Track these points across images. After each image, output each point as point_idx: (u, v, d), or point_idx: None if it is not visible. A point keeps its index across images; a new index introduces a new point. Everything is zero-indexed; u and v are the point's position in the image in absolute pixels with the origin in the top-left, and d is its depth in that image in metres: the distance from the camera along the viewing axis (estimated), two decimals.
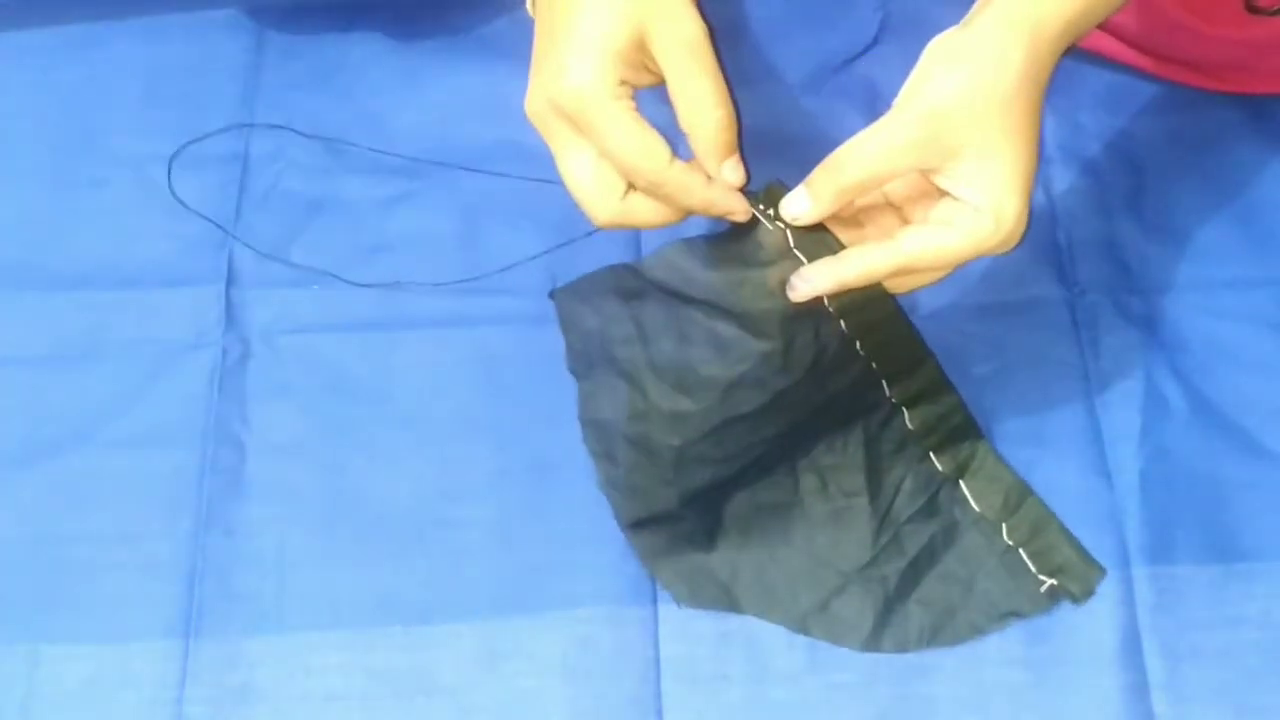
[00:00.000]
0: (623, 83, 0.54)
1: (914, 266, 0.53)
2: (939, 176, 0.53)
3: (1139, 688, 0.60)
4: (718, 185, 0.54)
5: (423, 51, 0.78)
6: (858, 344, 0.58)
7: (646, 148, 0.53)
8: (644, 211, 0.56)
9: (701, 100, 0.54)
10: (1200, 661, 0.61)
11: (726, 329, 0.56)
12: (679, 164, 0.54)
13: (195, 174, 0.74)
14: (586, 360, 0.64)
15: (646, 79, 0.56)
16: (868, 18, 0.77)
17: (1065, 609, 0.62)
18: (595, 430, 0.64)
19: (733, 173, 0.54)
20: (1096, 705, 0.60)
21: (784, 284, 0.54)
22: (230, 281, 0.71)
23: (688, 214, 0.56)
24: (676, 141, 0.55)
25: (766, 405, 0.58)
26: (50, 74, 0.78)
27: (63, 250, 0.72)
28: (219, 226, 0.72)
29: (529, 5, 0.61)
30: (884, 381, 0.61)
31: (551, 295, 0.65)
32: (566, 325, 0.65)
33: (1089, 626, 0.62)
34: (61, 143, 0.76)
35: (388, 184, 0.73)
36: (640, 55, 0.55)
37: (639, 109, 0.55)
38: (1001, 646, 0.62)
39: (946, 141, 0.51)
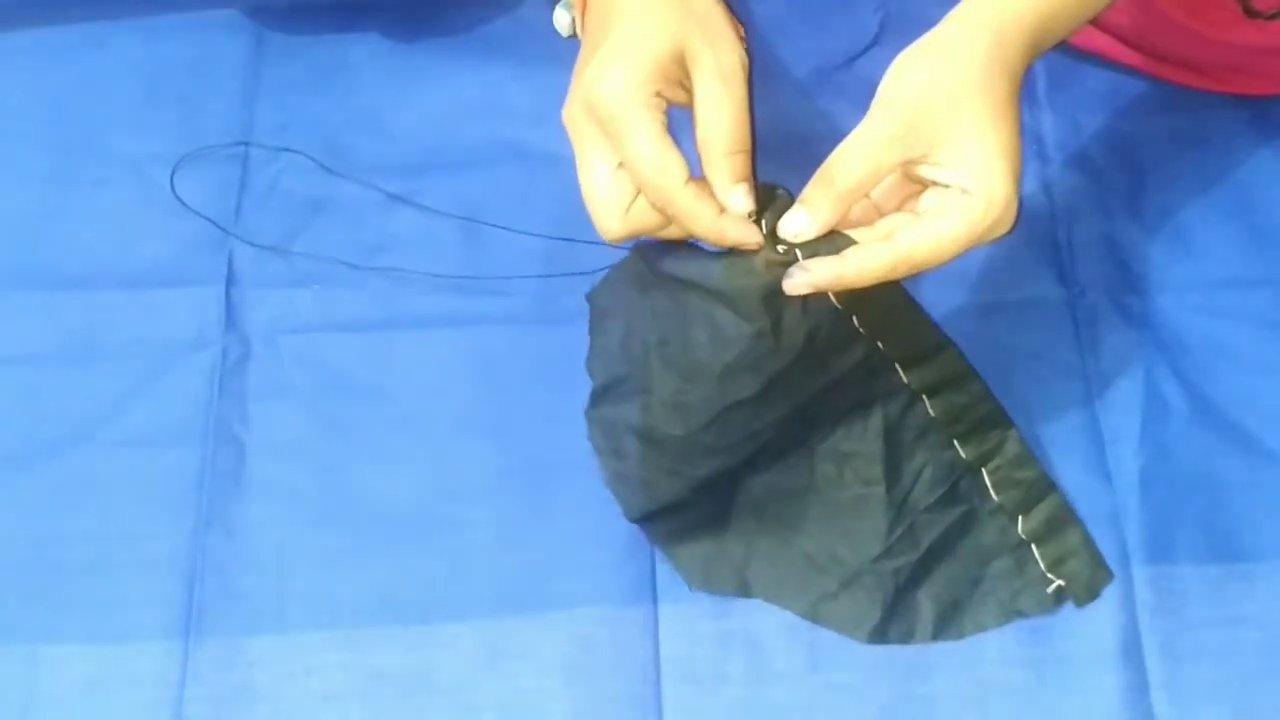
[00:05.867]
0: (658, 94, 0.54)
1: (912, 260, 0.53)
2: (924, 167, 0.53)
3: (1139, 688, 0.60)
4: (730, 217, 0.54)
5: (423, 51, 0.78)
6: (854, 319, 0.58)
7: (664, 162, 0.53)
8: (648, 219, 0.56)
9: (722, 129, 0.54)
10: (1200, 661, 0.61)
11: (721, 313, 0.56)
12: (693, 187, 0.53)
13: (195, 174, 0.74)
14: (605, 358, 0.63)
15: (682, 97, 0.56)
16: (868, 18, 0.78)
17: (1065, 609, 0.62)
18: (602, 426, 0.63)
19: (741, 200, 0.54)
20: (1096, 705, 0.60)
21: (767, 262, 0.54)
22: (230, 281, 0.71)
23: (693, 237, 0.56)
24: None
25: (765, 389, 0.57)
26: (50, 74, 0.78)
27: (63, 250, 0.72)
28: (219, 226, 0.72)
29: (578, 29, 0.62)
30: (898, 366, 0.61)
31: (587, 297, 0.64)
32: (594, 325, 0.64)
33: (1089, 626, 0.62)
34: (61, 143, 0.76)
35: (388, 184, 0.73)
36: (679, 71, 0.55)
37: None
38: (1001, 646, 0.62)
39: (926, 130, 0.52)
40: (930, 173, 0.53)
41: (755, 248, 0.54)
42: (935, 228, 0.52)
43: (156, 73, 0.78)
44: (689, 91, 0.55)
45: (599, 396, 0.64)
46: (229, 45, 0.79)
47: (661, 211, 0.54)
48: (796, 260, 0.53)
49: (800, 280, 0.53)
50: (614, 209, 0.55)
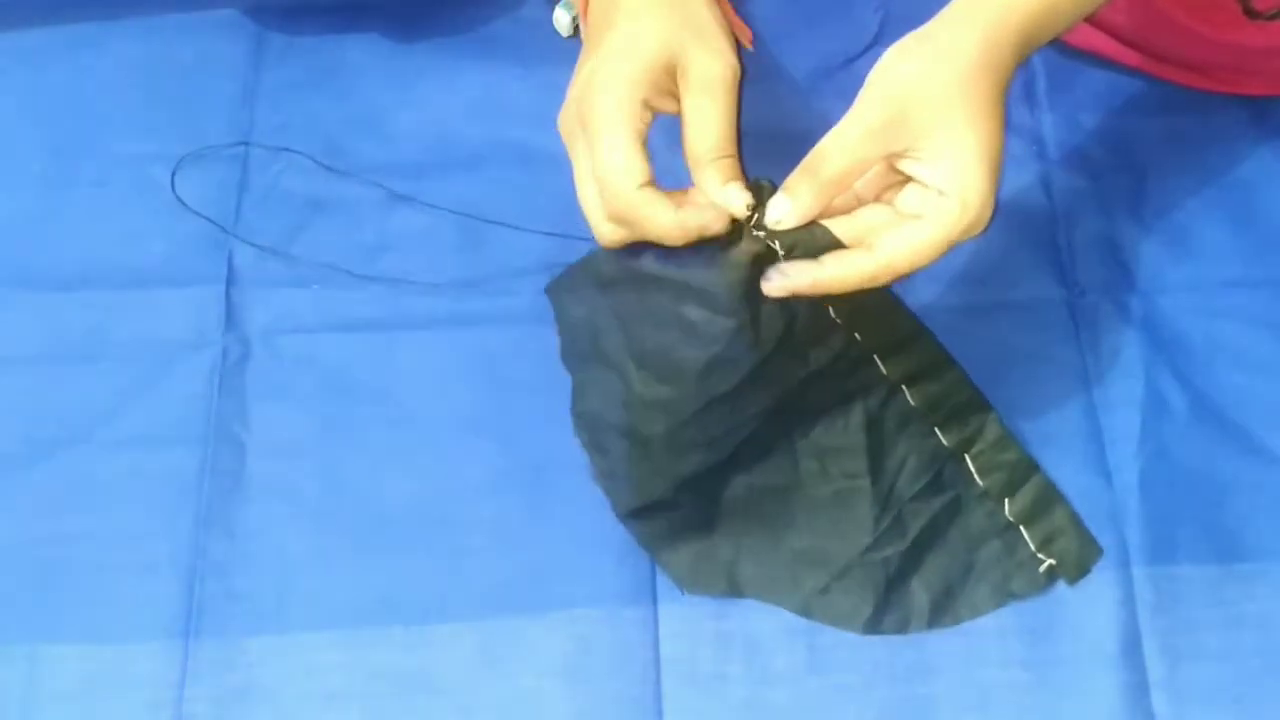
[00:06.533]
0: (644, 102, 0.54)
1: (894, 270, 0.53)
2: (905, 161, 0.53)
3: (1139, 687, 0.60)
4: (685, 211, 0.54)
5: (423, 51, 0.78)
6: (830, 310, 0.58)
7: (623, 166, 0.53)
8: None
9: (707, 137, 0.54)
10: (1200, 661, 0.61)
11: (694, 311, 0.56)
12: (649, 192, 0.54)
13: (195, 174, 0.74)
14: (577, 352, 0.63)
15: (673, 106, 0.56)
16: (868, 18, 0.78)
17: (1065, 609, 0.62)
18: (586, 422, 0.64)
19: (736, 197, 0.54)
20: (1096, 705, 0.60)
21: (751, 256, 0.54)
22: (230, 281, 0.71)
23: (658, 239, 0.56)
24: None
25: (745, 382, 0.57)
26: (50, 74, 0.78)
27: (63, 250, 0.72)
28: (219, 226, 0.72)
29: (581, 31, 0.62)
30: (876, 358, 0.61)
31: (546, 290, 0.65)
32: (560, 318, 0.64)
33: (1089, 626, 0.62)
34: (61, 143, 0.76)
35: (388, 184, 0.73)
36: (670, 81, 0.55)
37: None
38: (1001, 646, 0.62)
39: (911, 124, 0.52)
40: (910, 168, 0.53)
41: (721, 230, 0.54)
42: (912, 235, 0.53)
43: (156, 73, 0.78)
44: (679, 100, 0.56)
45: (578, 393, 0.64)
46: (229, 45, 0.78)
47: (620, 220, 0.54)
48: (776, 251, 0.53)
49: (778, 284, 0.53)
50: (598, 213, 0.56)
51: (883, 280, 0.53)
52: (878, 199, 0.55)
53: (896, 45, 0.54)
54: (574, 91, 0.56)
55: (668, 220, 0.54)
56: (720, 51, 0.55)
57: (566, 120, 0.56)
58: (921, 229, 0.53)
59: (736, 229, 0.54)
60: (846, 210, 0.55)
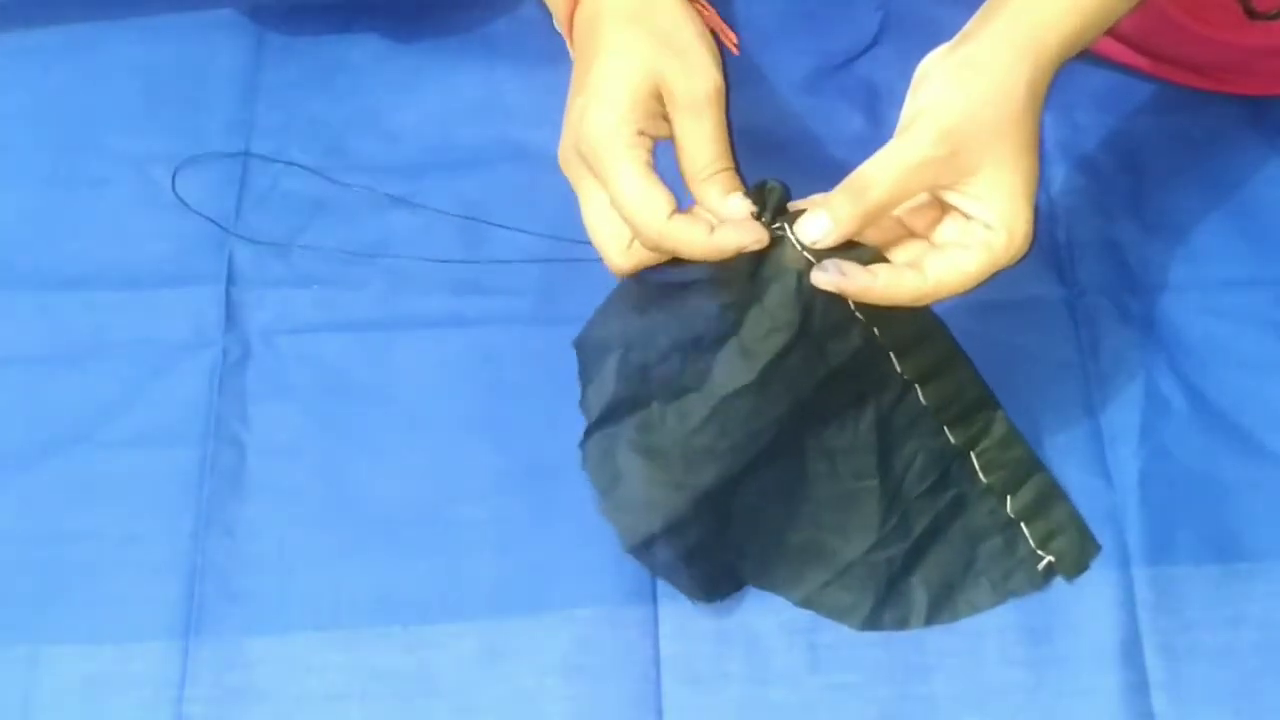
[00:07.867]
0: (641, 132, 0.55)
1: (939, 294, 0.54)
2: (952, 194, 0.54)
3: (1139, 687, 0.60)
4: (721, 231, 0.54)
5: (423, 51, 0.78)
6: (851, 303, 0.57)
7: (647, 200, 0.54)
8: (649, 255, 0.56)
9: (701, 157, 0.55)
10: (1200, 661, 0.61)
11: (700, 301, 0.56)
12: (680, 217, 0.54)
13: (195, 173, 0.74)
14: (600, 392, 0.61)
15: (665, 130, 0.56)
16: (868, 18, 0.78)
17: (1065, 609, 0.62)
18: (599, 450, 0.62)
19: (738, 206, 0.55)
20: (1096, 705, 0.60)
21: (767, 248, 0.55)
22: (230, 281, 0.71)
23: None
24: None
25: (762, 378, 0.57)
26: (49, 74, 0.78)
27: (63, 250, 0.72)
28: (219, 226, 0.72)
29: (572, 54, 0.62)
30: (892, 356, 0.60)
31: (575, 345, 0.64)
32: (587, 368, 0.63)
33: (1089, 626, 0.62)
34: (61, 143, 0.76)
35: (388, 184, 0.73)
36: (659, 106, 0.56)
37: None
38: (1001, 646, 0.62)
39: (964, 160, 0.52)
40: (957, 200, 0.54)
41: (759, 247, 0.54)
42: (962, 260, 0.54)
43: (156, 73, 0.78)
44: (670, 122, 0.56)
45: (593, 427, 0.62)
46: (229, 45, 0.78)
47: (655, 248, 0.55)
48: (809, 259, 0.54)
49: (833, 278, 0.53)
50: (618, 244, 0.57)
51: (926, 301, 0.54)
52: (908, 218, 0.56)
53: (946, 69, 0.54)
54: (569, 130, 0.56)
55: (702, 244, 0.54)
56: (702, 68, 0.55)
57: (566, 157, 0.57)
58: (969, 255, 0.53)
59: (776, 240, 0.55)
60: (892, 242, 0.56)
